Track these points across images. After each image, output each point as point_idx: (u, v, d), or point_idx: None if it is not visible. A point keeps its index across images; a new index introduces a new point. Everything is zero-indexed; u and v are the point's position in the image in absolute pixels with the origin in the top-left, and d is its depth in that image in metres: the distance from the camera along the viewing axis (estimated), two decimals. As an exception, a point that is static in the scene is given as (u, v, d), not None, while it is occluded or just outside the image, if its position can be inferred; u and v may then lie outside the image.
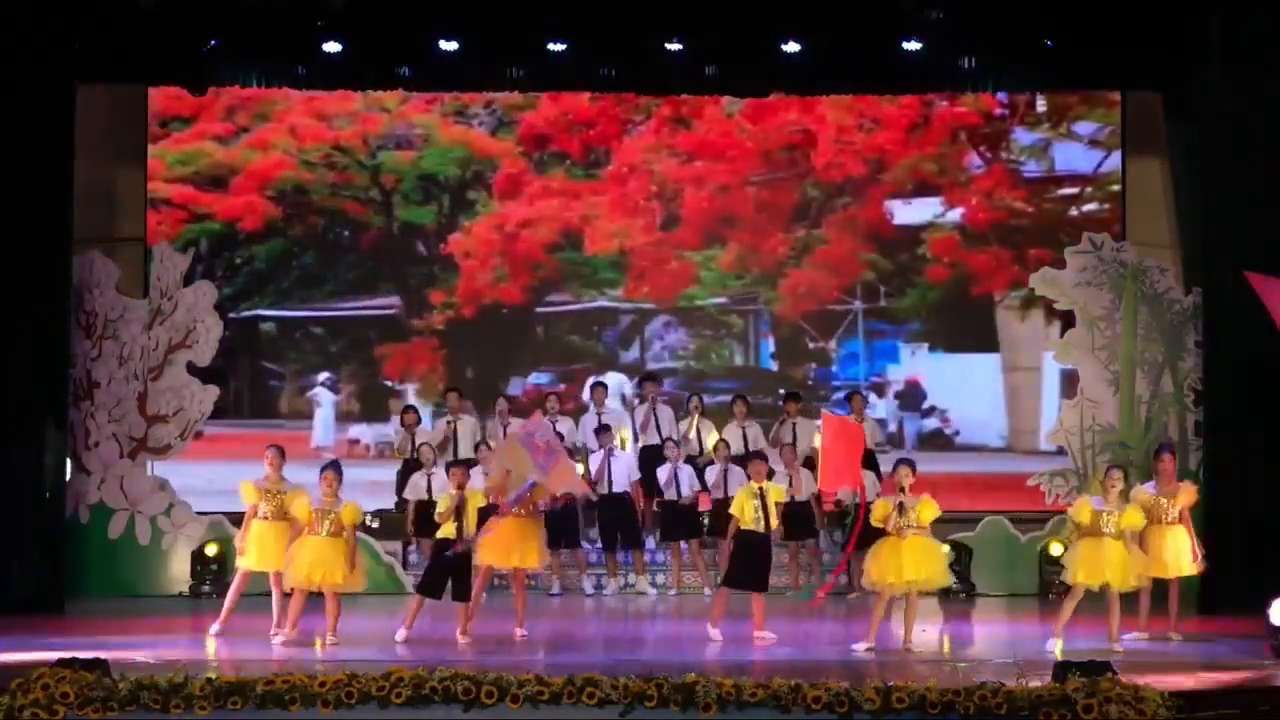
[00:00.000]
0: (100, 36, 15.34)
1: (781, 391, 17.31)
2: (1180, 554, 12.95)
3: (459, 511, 12.70)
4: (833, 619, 14.62)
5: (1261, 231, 14.47)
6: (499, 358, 18.29)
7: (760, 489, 12.83)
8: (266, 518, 13.09)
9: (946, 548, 14.33)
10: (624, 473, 16.05)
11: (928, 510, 12.36)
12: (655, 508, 16.32)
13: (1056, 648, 12.03)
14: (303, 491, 12.90)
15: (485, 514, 13.17)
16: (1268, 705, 9.90)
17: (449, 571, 12.72)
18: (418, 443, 16.25)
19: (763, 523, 12.74)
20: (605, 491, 15.98)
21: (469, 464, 14.22)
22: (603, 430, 16.15)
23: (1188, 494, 13.05)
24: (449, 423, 16.56)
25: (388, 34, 15.87)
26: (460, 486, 12.80)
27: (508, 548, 13.01)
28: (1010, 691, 9.29)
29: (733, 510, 12.94)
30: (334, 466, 12.80)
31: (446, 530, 12.77)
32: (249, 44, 15.98)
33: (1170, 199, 17.00)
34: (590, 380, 17.22)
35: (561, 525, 15.63)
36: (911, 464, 12.61)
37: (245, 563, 13.23)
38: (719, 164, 18.15)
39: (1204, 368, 15.60)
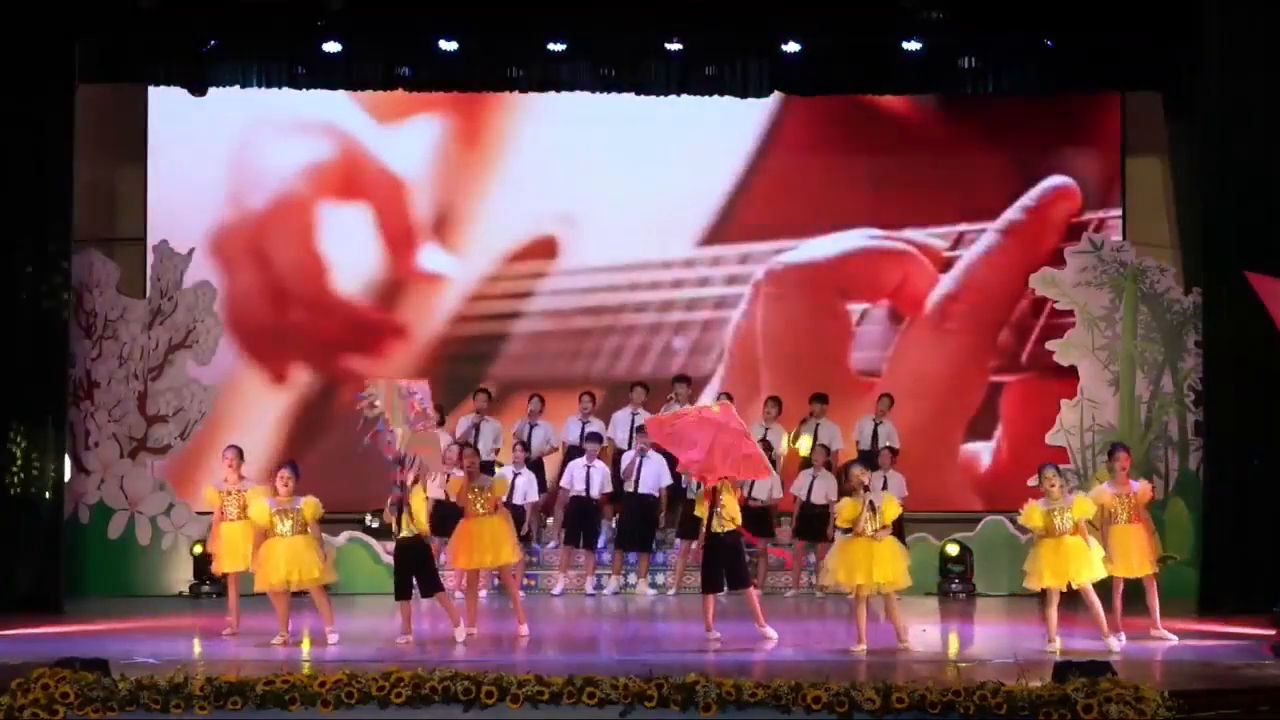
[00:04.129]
0: (100, 36, 15.33)
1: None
2: (1143, 552, 12.78)
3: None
4: (833, 619, 14.62)
5: (1261, 231, 14.48)
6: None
7: (714, 489, 12.82)
8: (232, 518, 13.27)
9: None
10: (654, 475, 16.00)
11: (892, 509, 12.40)
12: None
13: (1055, 649, 11.98)
14: (258, 492, 12.99)
15: (451, 516, 13.24)
16: (1268, 705, 9.89)
17: (408, 571, 12.69)
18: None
19: (718, 524, 12.69)
20: (632, 490, 15.98)
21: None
22: (639, 430, 16.06)
23: (1145, 492, 13.00)
24: (474, 423, 16.50)
25: (388, 34, 15.87)
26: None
27: (480, 548, 12.96)
28: (1010, 691, 9.29)
29: (696, 512, 13.01)
30: (290, 466, 12.86)
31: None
32: (249, 44, 15.98)
33: (1170, 199, 17.00)
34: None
35: (582, 526, 15.63)
36: (866, 463, 13.14)
37: (218, 566, 13.47)
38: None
39: (1204, 368, 15.59)
